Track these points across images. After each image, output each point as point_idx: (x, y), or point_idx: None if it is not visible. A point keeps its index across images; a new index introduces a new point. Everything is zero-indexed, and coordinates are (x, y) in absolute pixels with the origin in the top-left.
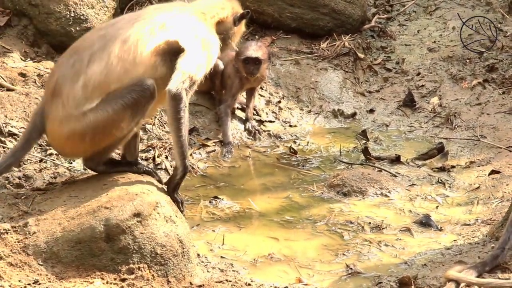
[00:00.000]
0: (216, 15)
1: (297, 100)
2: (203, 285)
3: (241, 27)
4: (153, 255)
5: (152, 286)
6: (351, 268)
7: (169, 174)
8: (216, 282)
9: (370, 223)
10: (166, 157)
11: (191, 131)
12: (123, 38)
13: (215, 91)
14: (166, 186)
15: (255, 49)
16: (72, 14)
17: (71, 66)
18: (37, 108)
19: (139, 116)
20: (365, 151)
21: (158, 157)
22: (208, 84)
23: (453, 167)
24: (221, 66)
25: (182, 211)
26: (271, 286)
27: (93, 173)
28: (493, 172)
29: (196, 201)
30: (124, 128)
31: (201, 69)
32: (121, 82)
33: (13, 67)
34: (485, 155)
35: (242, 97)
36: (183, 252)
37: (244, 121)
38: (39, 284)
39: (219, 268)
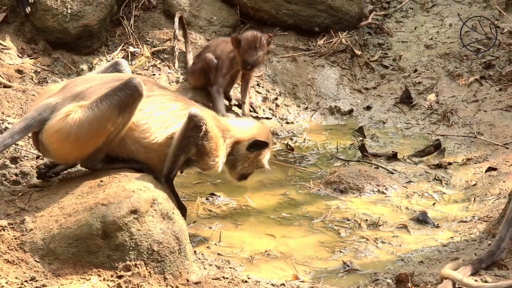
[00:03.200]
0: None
1: (294, 97)
2: (200, 282)
3: (256, 156)
4: (149, 252)
5: (148, 283)
6: (348, 265)
7: None
8: (212, 279)
9: (366, 220)
10: None
11: None
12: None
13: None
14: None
15: (254, 54)
16: (69, 11)
17: (106, 85)
18: (48, 102)
19: (127, 115)
20: (362, 148)
21: None
22: (203, 80)
23: (450, 164)
24: (215, 61)
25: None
26: (267, 283)
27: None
28: (490, 169)
29: (192, 198)
30: (112, 127)
31: None
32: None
33: (10, 64)
34: (482, 152)
35: (238, 93)
36: (180, 249)
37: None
38: (36, 281)
39: (215, 265)
